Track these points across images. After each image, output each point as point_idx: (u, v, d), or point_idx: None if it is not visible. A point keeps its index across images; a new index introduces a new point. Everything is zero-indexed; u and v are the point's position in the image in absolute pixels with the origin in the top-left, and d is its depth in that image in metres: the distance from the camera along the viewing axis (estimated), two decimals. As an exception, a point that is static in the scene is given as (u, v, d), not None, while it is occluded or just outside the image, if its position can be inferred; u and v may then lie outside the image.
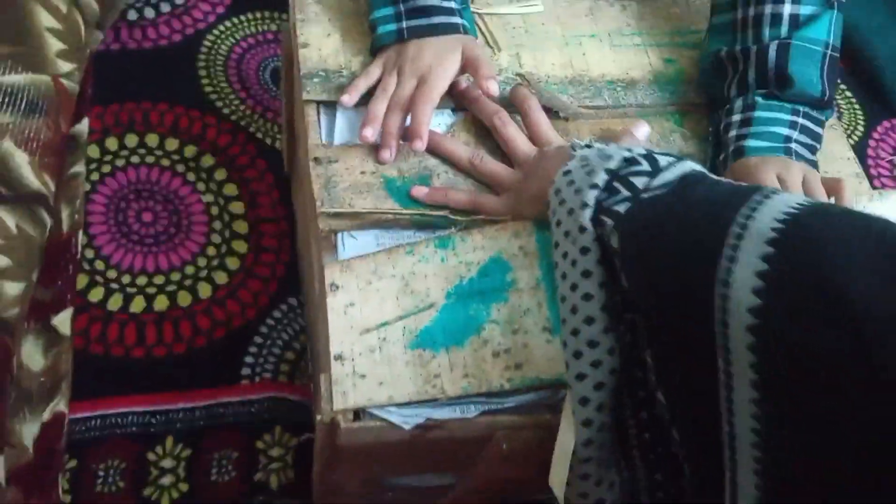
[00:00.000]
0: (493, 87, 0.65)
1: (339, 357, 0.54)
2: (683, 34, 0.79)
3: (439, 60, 0.65)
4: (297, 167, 0.90)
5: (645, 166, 0.51)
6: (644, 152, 0.53)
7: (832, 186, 0.65)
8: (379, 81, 0.67)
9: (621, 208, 0.49)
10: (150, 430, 0.80)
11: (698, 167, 0.53)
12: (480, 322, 0.56)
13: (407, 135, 0.65)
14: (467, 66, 0.67)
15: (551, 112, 0.68)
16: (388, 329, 0.55)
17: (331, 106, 0.68)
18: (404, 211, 0.62)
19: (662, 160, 0.52)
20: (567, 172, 0.53)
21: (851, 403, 0.38)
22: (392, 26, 0.67)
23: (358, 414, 0.53)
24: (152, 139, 1.00)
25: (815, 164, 0.66)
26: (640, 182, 0.50)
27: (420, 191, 0.63)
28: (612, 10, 0.79)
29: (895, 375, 0.36)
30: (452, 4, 0.68)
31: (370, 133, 0.64)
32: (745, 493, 0.43)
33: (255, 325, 0.89)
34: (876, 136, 1.22)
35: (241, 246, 0.95)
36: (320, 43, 0.71)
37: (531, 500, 0.67)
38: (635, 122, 0.67)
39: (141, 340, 0.85)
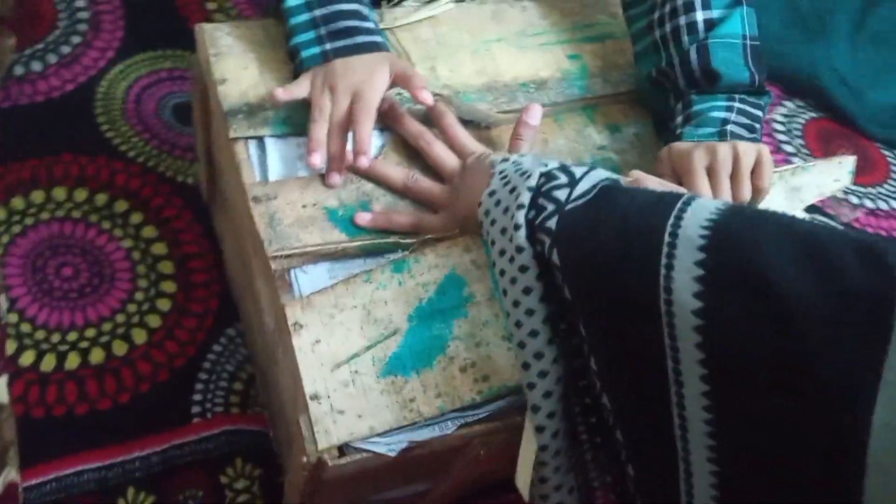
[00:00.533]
0: (428, 97, 0.66)
1: (314, 396, 0.55)
2: (582, 29, 0.84)
3: (370, 76, 0.67)
4: (219, 199, 0.90)
5: (563, 179, 0.54)
6: (558, 165, 0.56)
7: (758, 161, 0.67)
8: (310, 100, 0.68)
9: (552, 224, 0.51)
10: (109, 485, 0.79)
11: (608, 174, 0.56)
12: (445, 340, 0.58)
13: (351, 153, 0.67)
14: (396, 79, 0.68)
15: (473, 123, 0.71)
16: (357, 361, 0.57)
17: (260, 141, 0.68)
18: (352, 242, 0.63)
19: (577, 171, 0.55)
20: (492, 193, 0.56)
21: (791, 397, 0.40)
22: (315, 49, 0.68)
23: (342, 448, 0.55)
24: (60, 193, 0.98)
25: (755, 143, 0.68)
26: (561, 195, 0.53)
27: (363, 217, 0.64)
28: (513, 11, 0.83)
29: (825, 369, 0.39)
30: (371, 24, 0.70)
31: (318, 159, 0.65)
32: (700, 486, 0.46)
33: (197, 361, 0.89)
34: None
35: (169, 286, 0.94)
36: (238, 77, 0.71)
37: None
38: (529, 108, 0.68)
39: (83, 396, 0.84)
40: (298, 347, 0.57)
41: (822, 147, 1.31)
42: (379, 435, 0.54)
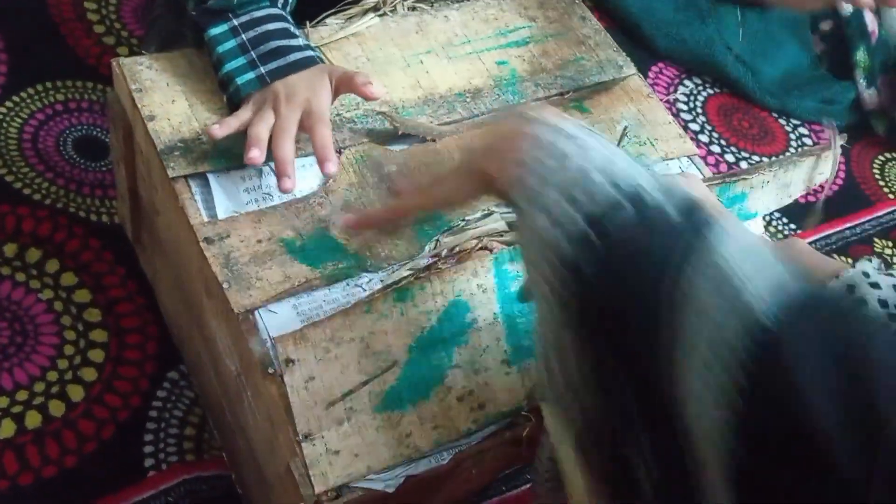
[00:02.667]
0: (379, 89, 0.65)
1: (308, 436, 0.54)
2: (505, 34, 0.85)
3: (314, 92, 0.65)
4: (147, 239, 0.85)
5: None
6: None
7: None
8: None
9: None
10: (68, 556, 0.74)
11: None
12: (443, 370, 0.58)
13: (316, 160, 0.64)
14: (339, 86, 0.66)
15: (417, 138, 0.71)
16: (353, 398, 0.55)
17: (201, 178, 0.65)
18: (315, 272, 0.61)
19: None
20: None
21: None
22: (250, 74, 0.65)
23: (338, 489, 0.54)
24: (-38, 248, 0.91)
25: None
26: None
27: (348, 220, 0.59)
28: (437, 21, 0.83)
29: None
30: (301, 41, 0.68)
31: (257, 154, 0.62)
32: None
33: (142, 411, 0.84)
34: (650, 80, 1.37)
35: (99, 335, 0.89)
36: (167, 111, 0.68)
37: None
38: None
39: (25, 465, 0.78)
40: (290, 385, 0.55)
41: (723, 121, 1.38)
42: (376, 473, 0.54)
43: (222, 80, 0.67)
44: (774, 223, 1.28)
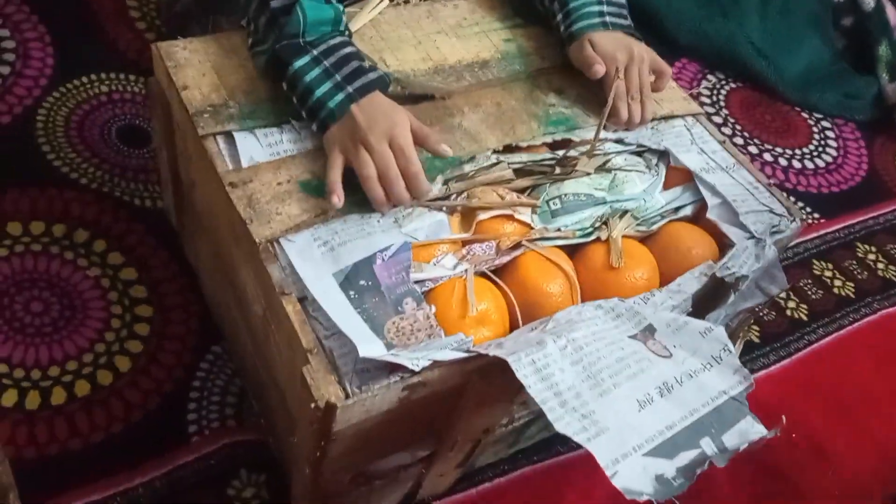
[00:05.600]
0: (447, 151, 0.67)
1: (310, 351, 0.57)
2: (511, 18, 0.90)
3: (394, 121, 0.66)
4: (189, 223, 0.89)
5: None
6: None
7: (659, 70, 0.81)
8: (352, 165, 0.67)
9: None
10: (116, 515, 0.78)
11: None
12: None
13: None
14: (414, 136, 0.67)
15: (429, 97, 0.75)
16: None
17: (226, 135, 0.70)
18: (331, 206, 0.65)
19: None
20: None
21: None
22: (340, 95, 0.67)
23: (347, 393, 0.56)
24: (14, 227, 0.95)
25: (633, 29, 0.82)
26: None
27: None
28: (446, 9, 0.89)
29: None
30: (368, 62, 0.71)
31: (386, 210, 0.66)
32: None
33: (186, 382, 0.88)
34: (673, 76, 1.39)
35: (145, 310, 0.92)
36: (198, 83, 0.73)
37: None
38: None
39: (74, 432, 0.82)
40: (291, 312, 0.59)
41: (746, 115, 1.40)
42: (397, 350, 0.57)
43: (312, 107, 0.68)
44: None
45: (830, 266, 1.21)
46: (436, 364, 0.56)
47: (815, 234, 1.25)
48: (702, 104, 1.36)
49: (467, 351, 0.58)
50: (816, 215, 1.29)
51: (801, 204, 1.29)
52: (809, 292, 1.17)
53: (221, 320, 0.91)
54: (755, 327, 1.09)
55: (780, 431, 0.54)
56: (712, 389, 0.56)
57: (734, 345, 0.61)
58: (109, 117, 1.09)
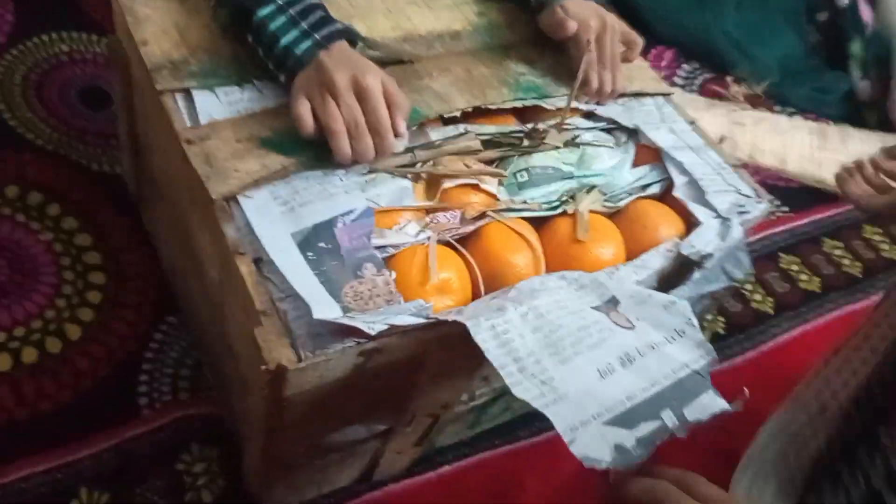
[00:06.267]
0: (403, 129, 0.65)
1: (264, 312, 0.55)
2: None
3: (360, 64, 0.64)
4: (149, 182, 0.86)
5: None
6: None
7: (630, 41, 0.80)
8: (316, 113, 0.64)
9: None
10: (61, 487, 0.75)
11: None
12: None
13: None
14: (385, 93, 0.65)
15: (396, 62, 0.73)
16: None
17: (185, 93, 0.67)
18: (293, 160, 0.63)
19: None
20: None
21: None
22: (307, 42, 0.65)
23: (300, 358, 0.54)
24: (-35, 188, 0.92)
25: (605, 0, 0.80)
26: None
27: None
28: None
29: None
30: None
31: (347, 152, 0.63)
32: None
33: (138, 351, 0.85)
34: (649, 63, 1.39)
35: (98, 277, 0.89)
36: (158, 39, 0.70)
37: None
38: None
39: (21, 399, 0.79)
40: (245, 273, 0.57)
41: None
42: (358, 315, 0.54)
43: (279, 56, 0.66)
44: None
45: (798, 260, 1.21)
46: (393, 328, 0.54)
47: (782, 228, 1.26)
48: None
49: (426, 317, 0.56)
50: (785, 209, 1.29)
51: (770, 197, 1.29)
52: (775, 285, 1.17)
53: (178, 290, 0.88)
54: (720, 318, 1.09)
55: (742, 406, 0.53)
56: (674, 362, 0.55)
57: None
58: (70, 77, 1.06)
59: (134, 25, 0.71)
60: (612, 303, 0.58)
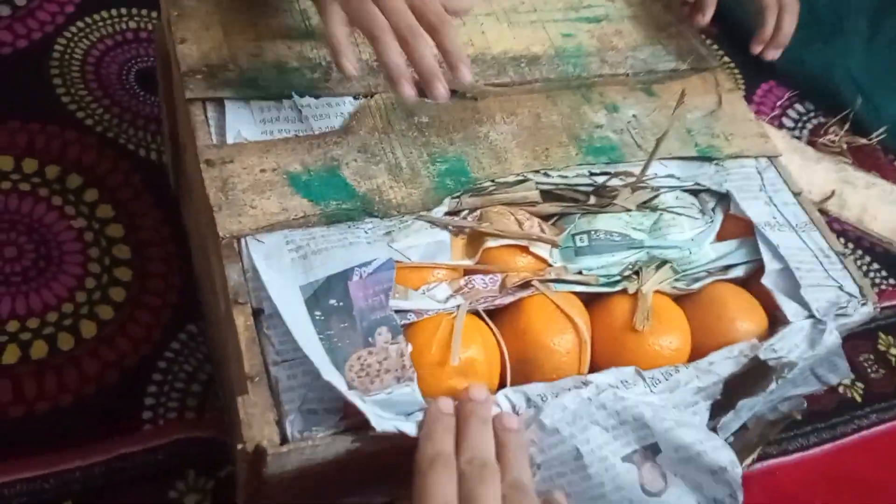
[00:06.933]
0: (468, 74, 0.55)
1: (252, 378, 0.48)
2: (576, 9, 0.78)
3: None
4: (185, 182, 0.81)
5: None
6: None
7: None
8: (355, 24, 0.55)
9: None
10: (44, 497, 0.70)
11: None
12: None
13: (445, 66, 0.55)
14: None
15: (456, 94, 0.64)
16: None
17: (218, 103, 0.61)
18: (318, 209, 0.55)
19: None
20: None
21: None
22: None
23: (285, 437, 0.47)
24: (5, 162, 0.88)
25: None
26: None
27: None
28: None
29: None
30: None
31: (409, 90, 0.53)
32: None
33: (151, 360, 0.80)
34: (756, 99, 1.26)
35: (124, 273, 0.85)
36: (199, 37, 0.64)
37: None
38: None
39: (19, 397, 0.75)
40: (239, 325, 0.50)
41: (830, 156, 1.25)
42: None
43: None
44: (873, 274, 1.15)
45: (900, 343, 1.07)
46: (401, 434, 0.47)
47: (887, 304, 1.11)
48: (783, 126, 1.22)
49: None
50: (892, 280, 1.14)
51: (876, 266, 1.15)
52: (869, 370, 1.03)
53: (203, 297, 0.83)
54: (798, 399, 0.96)
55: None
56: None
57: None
58: (131, 56, 1.01)
59: (175, 20, 0.65)
60: (651, 451, 0.48)
